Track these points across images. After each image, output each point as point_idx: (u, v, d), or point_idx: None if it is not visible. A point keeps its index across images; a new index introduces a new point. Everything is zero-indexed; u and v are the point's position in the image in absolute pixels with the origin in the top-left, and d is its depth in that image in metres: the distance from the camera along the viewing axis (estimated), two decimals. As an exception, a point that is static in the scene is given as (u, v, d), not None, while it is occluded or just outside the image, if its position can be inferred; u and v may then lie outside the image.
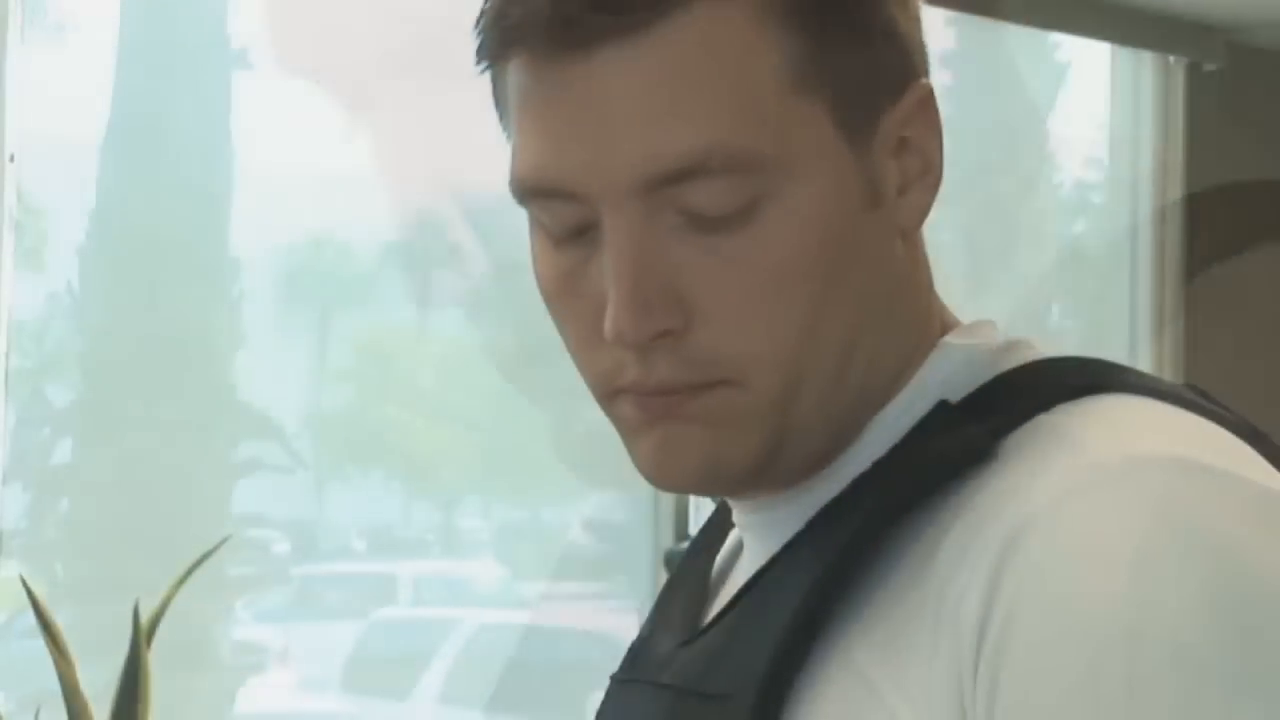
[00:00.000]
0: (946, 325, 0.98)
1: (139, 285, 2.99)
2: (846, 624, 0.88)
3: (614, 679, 1.04)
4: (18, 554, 2.78)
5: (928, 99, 0.94)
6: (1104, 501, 0.82)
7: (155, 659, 2.36)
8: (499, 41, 0.89)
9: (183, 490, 2.95)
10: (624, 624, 3.25)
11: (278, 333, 3.48)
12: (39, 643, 2.43)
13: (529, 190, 0.90)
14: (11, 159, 2.73)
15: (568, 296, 0.92)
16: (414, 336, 4.43)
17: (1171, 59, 4.06)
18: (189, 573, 2.39)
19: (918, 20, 0.94)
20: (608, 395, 0.93)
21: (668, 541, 3.38)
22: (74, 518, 2.99)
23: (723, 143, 0.86)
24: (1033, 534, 0.82)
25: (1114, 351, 3.69)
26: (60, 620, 2.46)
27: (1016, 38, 3.98)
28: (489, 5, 0.90)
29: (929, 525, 0.88)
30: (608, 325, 0.88)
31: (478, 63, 0.91)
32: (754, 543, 0.99)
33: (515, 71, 0.90)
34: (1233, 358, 4.06)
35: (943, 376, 0.94)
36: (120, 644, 2.33)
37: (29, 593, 2.45)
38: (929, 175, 0.94)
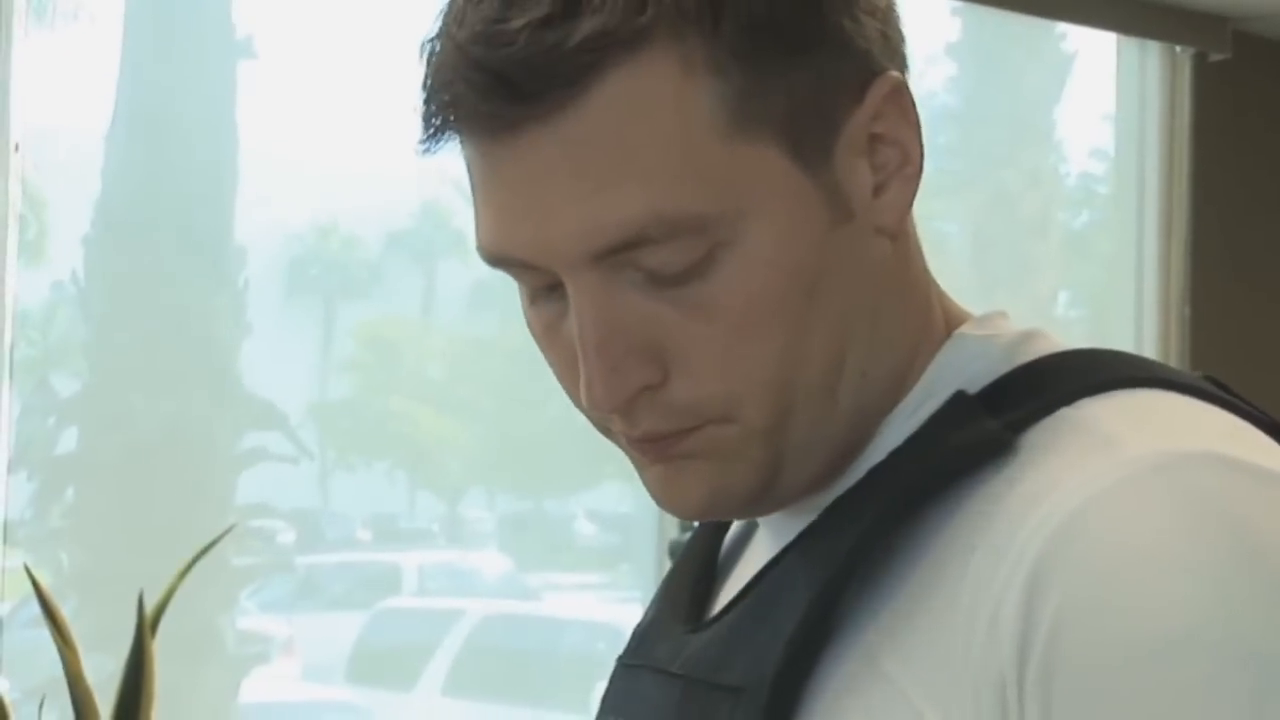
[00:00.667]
0: (951, 315, 0.96)
1: (144, 275, 2.99)
2: (865, 620, 0.86)
3: (620, 663, 1.03)
4: (23, 543, 2.79)
5: (896, 90, 0.90)
6: (1146, 500, 0.81)
7: (160, 648, 2.36)
8: (435, 125, 0.88)
9: (188, 480, 2.95)
10: (629, 614, 3.24)
11: (283, 322, 3.48)
12: (44, 632, 2.43)
13: (490, 259, 0.89)
14: (16, 148, 2.72)
15: (551, 343, 0.91)
16: (419, 327, 4.43)
17: (1178, 49, 4.05)
18: (193, 562, 2.39)
19: (878, 12, 0.90)
20: (603, 433, 0.93)
21: (672, 532, 3.38)
22: (79, 507, 2.99)
23: (658, 212, 0.84)
24: (1074, 535, 0.80)
25: (1120, 342, 3.68)
26: (65, 610, 2.46)
27: (1022, 28, 3.98)
28: (422, 88, 0.88)
29: (949, 522, 0.86)
30: (583, 394, 0.87)
31: (420, 140, 0.89)
32: (768, 533, 0.98)
33: (462, 145, 0.89)
34: (1239, 348, 4.05)
35: (958, 368, 0.92)
36: (125, 634, 2.33)
37: (34, 582, 2.45)
38: (908, 166, 0.91)
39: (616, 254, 0.86)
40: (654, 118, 0.85)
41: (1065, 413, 0.87)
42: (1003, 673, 0.80)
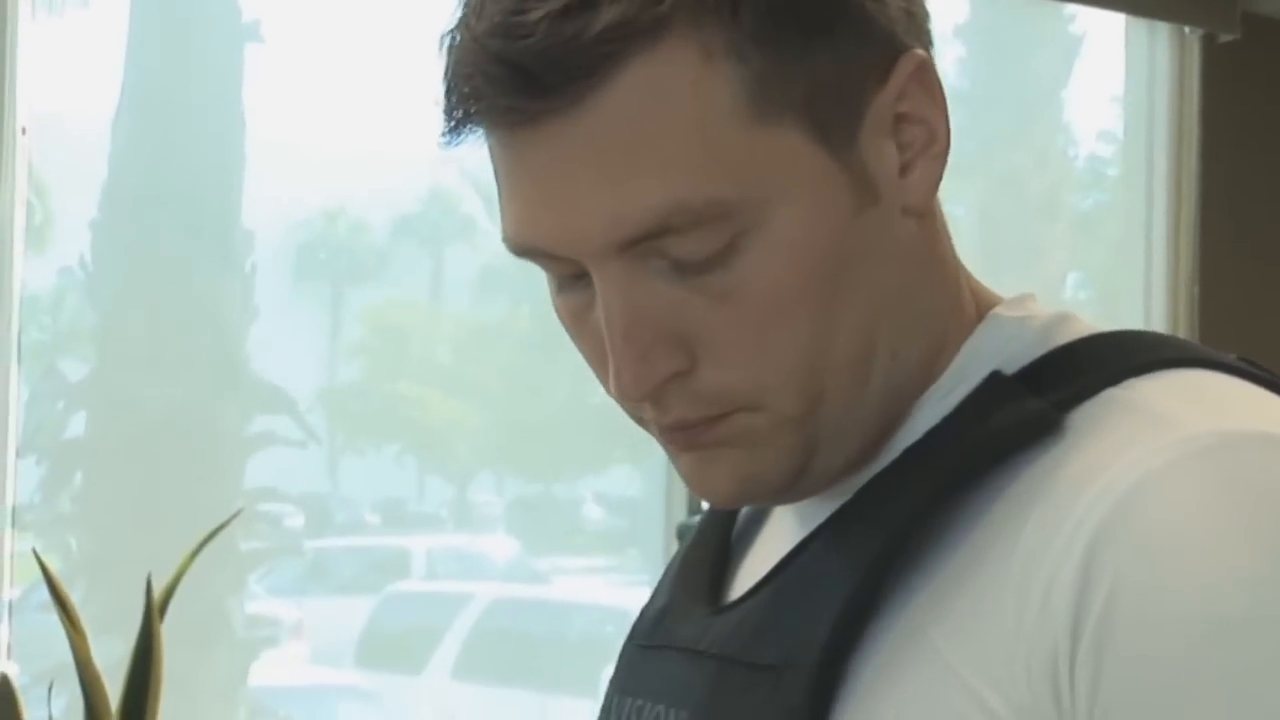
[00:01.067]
0: (980, 296, 0.96)
1: (151, 259, 2.99)
2: (910, 596, 0.86)
3: (636, 645, 1.02)
4: (32, 528, 2.79)
5: (921, 68, 0.89)
6: (1205, 478, 0.80)
7: (169, 633, 2.36)
8: (456, 118, 0.87)
9: (196, 464, 2.95)
10: (637, 598, 3.23)
11: (291, 306, 3.48)
12: (54, 617, 2.43)
13: (517, 250, 0.89)
14: (23, 132, 2.72)
15: (580, 331, 0.91)
16: (427, 311, 4.43)
17: (1186, 30, 4.04)
18: (201, 546, 2.39)
19: None
20: (637, 422, 0.93)
21: (680, 515, 3.38)
22: (88, 492, 2.99)
23: (681, 201, 0.84)
24: (1132, 511, 0.80)
25: (1128, 323, 3.66)
26: (74, 594, 2.46)
27: (1030, 10, 3.96)
28: (442, 81, 0.88)
29: (997, 500, 0.85)
30: (611, 384, 0.87)
31: (441, 134, 0.89)
32: (792, 515, 0.97)
33: (485, 136, 0.89)
34: (1247, 329, 4.04)
35: (994, 349, 0.92)
36: (134, 618, 2.33)
37: (42, 567, 2.45)
38: (934, 145, 0.90)
39: (640, 243, 0.86)
40: (674, 107, 0.85)
41: (1112, 393, 0.87)
42: (1055, 645, 0.80)
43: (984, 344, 0.92)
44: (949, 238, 0.96)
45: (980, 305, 0.95)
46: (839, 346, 0.88)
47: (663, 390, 0.88)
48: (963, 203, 3.87)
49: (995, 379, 0.90)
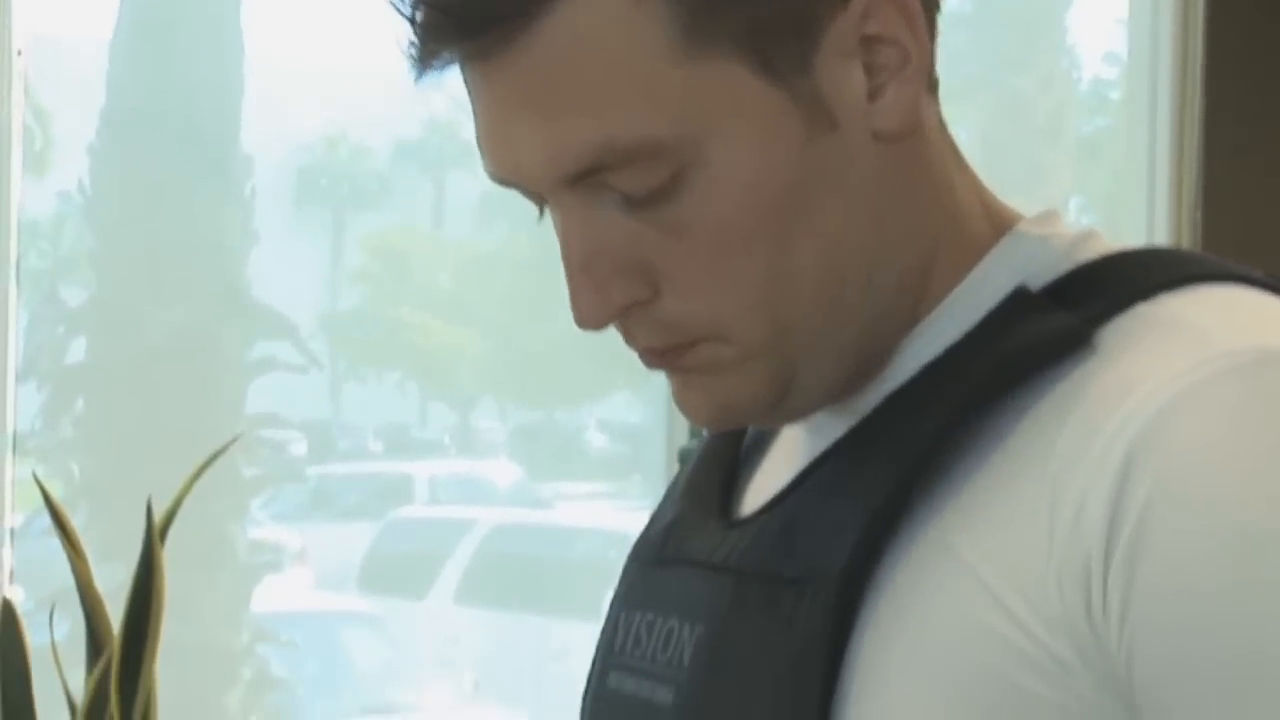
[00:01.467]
0: (999, 215, 0.94)
1: (150, 183, 2.98)
2: (937, 510, 0.84)
3: (640, 561, 1.01)
4: (34, 454, 2.79)
5: None
6: (1244, 394, 0.79)
7: (171, 558, 2.37)
8: (411, 56, 0.88)
9: (198, 389, 2.95)
10: (640, 523, 3.23)
11: (291, 232, 3.48)
12: (57, 543, 2.44)
13: (490, 179, 0.90)
14: (19, 54, 2.71)
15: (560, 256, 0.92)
16: (429, 237, 4.42)
17: (1192, -48, 4.01)
18: (202, 469, 2.39)
19: None
20: (628, 344, 0.93)
21: (682, 441, 3.38)
22: (89, 417, 2.99)
23: (610, 139, 0.83)
24: (1169, 425, 0.79)
25: (1131, 249, 3.64)
26: (77, 520, 2.47)
27: (1035, -69, 3.94)
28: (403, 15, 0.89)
29: (1027, 414, 0.84)
30: (573, 314, 0.87)
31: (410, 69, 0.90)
32: (807, 432, 0.96)
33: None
34: (1252, 254, 4.03)
35: (1016, 265, 0.90)
36: (136, 543, 2.34)
37: (43, 492, 2.45)
38: (908, 67, 0.87)
39: (586, 178, 0.85)
40: (603, 46, 0.84)
41: (1143, 308, 0.85)
42: (1088, 559, 0.79)
43: (1005, 261, 0.91)
44: (952, 158, 0.94)
45: (1000, 224, 0.94)
46: (801, 277, 0.87)
47: (626, 319, 0.88)
48: (965, 127, 3.85)
49: (1021, 294, 0.89)
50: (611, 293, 0.87)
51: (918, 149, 0.91)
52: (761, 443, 1.03)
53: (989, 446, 0.85)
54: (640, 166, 0.85)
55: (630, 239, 0.87)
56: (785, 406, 0.91)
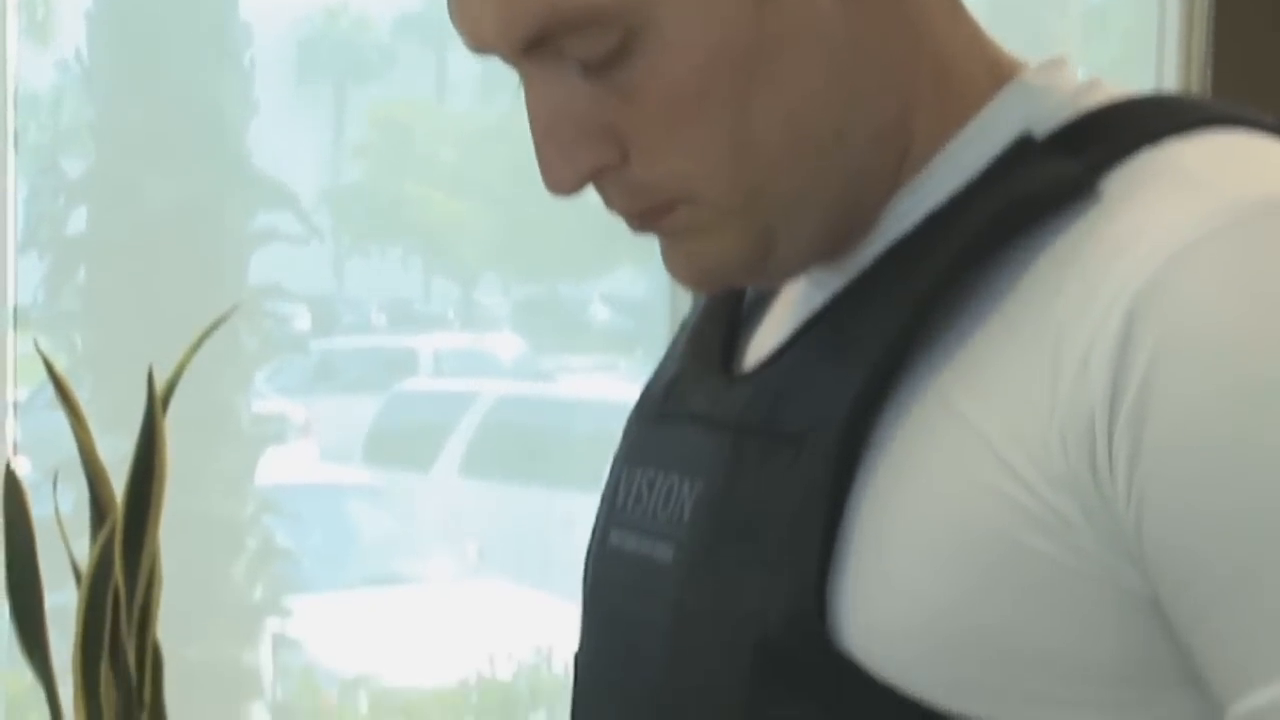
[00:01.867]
0: (999, 64, 0.92)
1: (149, 52, 2.96)
2: (937, 364, 0.84)
3: (646, 418, 1.01)
4: (36, 326, 2.79)
5: None
6: (1249, 245, 0.78)
7: (176, 430, 2.37)
8: None
9: (199, 259, 2.95)
10: (642, 394, 3.24)
11: (293, 103, 3.45)
12: (62, 416, 2.44)
13: (467, 47, 0.91)
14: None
15: None
16: (432, 110, 4.39)
17: None
18: (203, 338, 2.39)
19: None
20: None
21: (685, 314, 3.38)
22: (91, 288, 2.99)
23: (556, 5, 0.84)
24: (1174, 276, 0.78)
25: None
26: (81, 392, 2.47)
27: None
28: None
29: (1029, 266, 0.83)
30: (543, 180, 0.88)
31: None
32: (809, 286, 0.95)
33: None
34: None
35: (1020, 113, 0.89)
36: (140, 414, 2.34)
37: (46, 362, 2.46)
38: None
39: (540, 45, 0.86)
40: None
41: (1150, 155, 0.84)
42: (1093, 412, 0.79)
43: (1006, 109, 0.90)
44: (939, 8, 0.92)
45: (1001, 74, 0.92)
46: (764, 138, 0.86)
47: (600, 184, 0.89)
48: (972, -3, 3.82)
49: (1024, 142, 0.87)
50: (577, 158, 0.87)
51: (892, 3, 0.90)
52: (764, 300, 1.02)
53: (989, 302, 0.84)
54: (588, 33, 0.85)
55: (591, 104, 0.87)
56: (770, 266, 0.91)
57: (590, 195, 0.92)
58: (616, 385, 3.95)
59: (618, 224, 0.93)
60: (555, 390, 3.87)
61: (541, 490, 3.51)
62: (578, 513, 3.49)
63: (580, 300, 4.10)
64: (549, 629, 3.11)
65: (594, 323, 4.07)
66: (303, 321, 3.53)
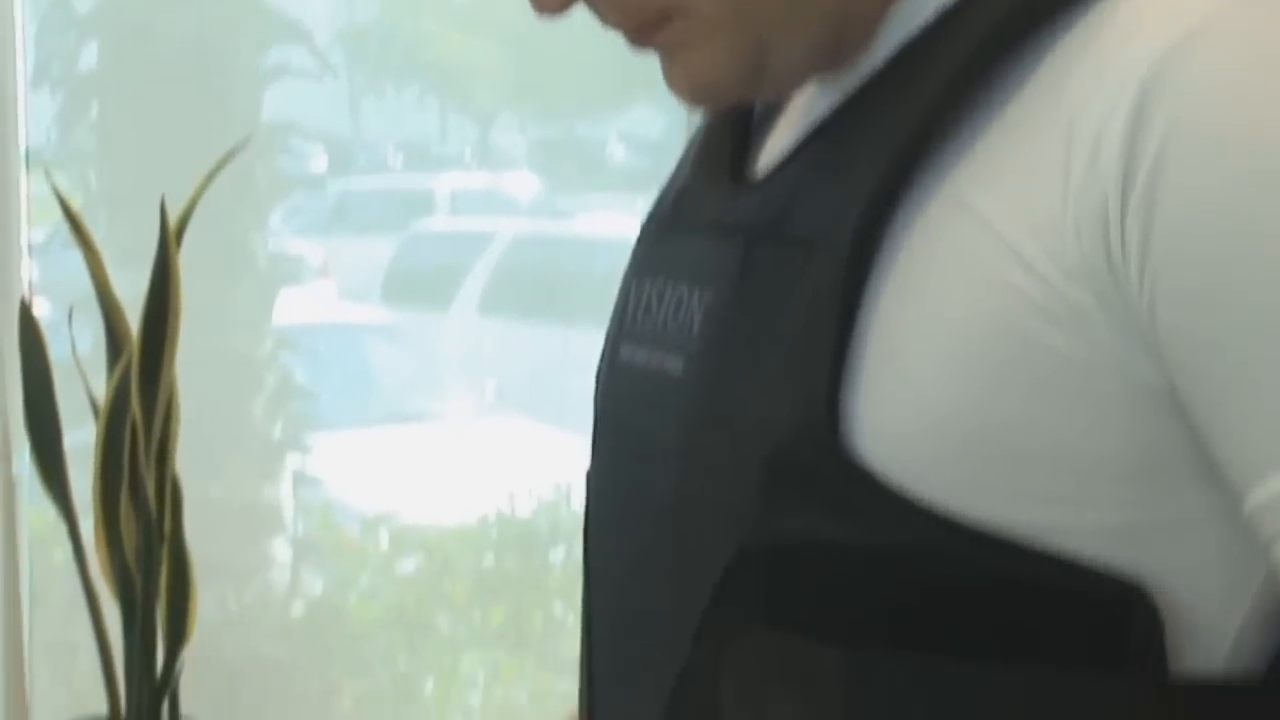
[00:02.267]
0: None
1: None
2: (949, 163, 0.83)
3: (653, 227, 1.00)
4: (50, 163, 2.78)
5: None
6: (1263, 27, 0.77)
7: (192, 269, 2.37)
8: None
9: (213, 94, 2.92)
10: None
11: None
12: (78, 255, 2.44)
13: None
14: None
15: None
16: (446, -53, 4.34)
17: None
18: (216, 170, 2.38)
19: None
20: None
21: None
22: (104, 124, 2.97)
23: None
24: (1183, 60, 0.77)
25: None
26: (96, 230, 2.47)
27: None
28: None
29: (1038, 65, 0.82)
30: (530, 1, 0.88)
31: None
32: (819, 93, 0.94)
33: None
34: None
35: None
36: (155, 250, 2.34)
37: (59, 199, 2.45)
38: None
39: None
40: None
41: None
42: (1105, 199, 0.78)
43: None
44: None
45: None
46: None
47: (591, 1, 0.89)
48: None
49: None
50: None
51: None
52: (773, 112, 1.01)
53: (1001, 98, 0.83)
54: None
55: None
56: (767, 78, 0.90)
57: (607, 32, 0.91)
58: (633, 224, 3.93)
59: (634, 62, 0.93)
60: (572, 229, 3.86)
61: (559, 328, 3.51)
62: (594, 352, 3.48)
63: (597, 139, 4.07)
64: (568, 466, 3.12)
65: (611, 162, 4.05)
66: (319, 163, 3.51)
